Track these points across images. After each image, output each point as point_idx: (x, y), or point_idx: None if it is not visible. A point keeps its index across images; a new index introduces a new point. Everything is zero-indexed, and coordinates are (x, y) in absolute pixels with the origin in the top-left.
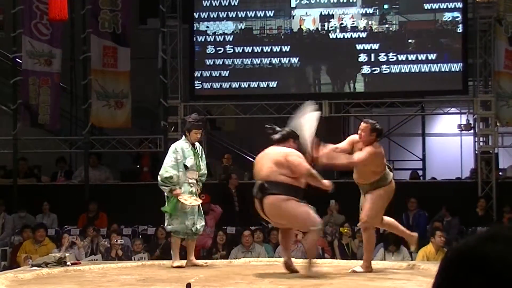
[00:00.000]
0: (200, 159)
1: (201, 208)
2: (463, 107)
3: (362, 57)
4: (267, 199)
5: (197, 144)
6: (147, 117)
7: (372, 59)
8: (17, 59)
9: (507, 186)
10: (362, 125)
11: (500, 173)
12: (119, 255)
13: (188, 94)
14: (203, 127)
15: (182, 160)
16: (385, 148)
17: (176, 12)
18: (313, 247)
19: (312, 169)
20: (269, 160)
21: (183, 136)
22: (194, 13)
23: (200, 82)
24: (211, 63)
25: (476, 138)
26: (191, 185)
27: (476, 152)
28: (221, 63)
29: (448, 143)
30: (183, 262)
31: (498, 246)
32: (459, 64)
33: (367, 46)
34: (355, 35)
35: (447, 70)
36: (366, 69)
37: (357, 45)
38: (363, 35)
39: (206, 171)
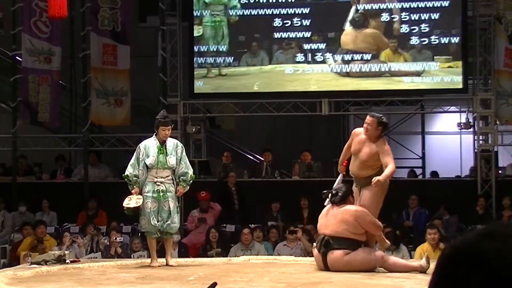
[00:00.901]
0: (166, 156)
1: (173, 206)
2: (462, 105)
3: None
4: (331, 253)
5: (172, 141)
6: (146, 115)
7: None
8: (16, 57)
9: (506, 184)
10: (368, 118)
11: (500, 171)
12: (118, 253)
13: (187, 92)
14: (170, 124)
15: (143, 158)
16: None
17: (176, 10)
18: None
19: (377, 222)
20: (335, 217)
21: (154, 135)
22: (194, 11)
23: (199, 80)
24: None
25: (475, 136)
26: (158, 184)
27: (476, 150)
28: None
29: (448, 142)
30: (161, 262)
31: (495, 243)
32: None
33: None
34: None
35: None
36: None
37: None
38: None
39: (186, 170)
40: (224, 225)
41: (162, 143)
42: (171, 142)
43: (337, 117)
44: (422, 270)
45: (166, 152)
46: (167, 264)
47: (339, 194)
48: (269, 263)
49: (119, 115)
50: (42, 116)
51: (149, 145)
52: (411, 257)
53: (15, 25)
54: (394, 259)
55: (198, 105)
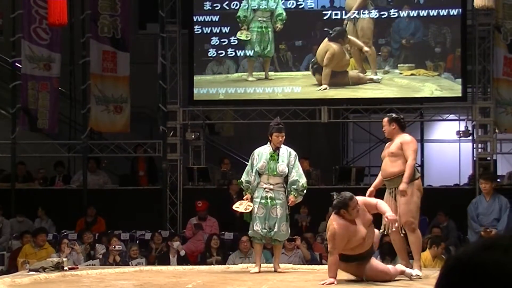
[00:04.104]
0: (277, 163)
1: (281, 213)
2: (461, 113)
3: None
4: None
5: (286, 149)
6: (146, 122)
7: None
8: (16, 64)
9: (505, 192)
10: (383, 121)
11: (498, 180)
12: (116, 260)
13: (187, 99)
14: (284, 130)
15: (256, 164)
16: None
17: (176, 17)
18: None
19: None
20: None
21: (268, 142)
22: (194, 18)
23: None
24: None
25: (474, 144)
26: (267, 190)
27: (475, 158)
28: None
29: (447, 150)
30: (258, 269)
31: (495, 254)
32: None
33: None
34: None
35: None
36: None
37: None
38: None
39: (297, 179)
40: (223, 232)
41: (275, 150)
42: (284, 150)
43: (337, 124)
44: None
45: (278, 159)
46: (275, 271)
47: (334, 200)
48: (268, 271)
49: (119, 121)
50: (42, 122)
51: (263, 151)
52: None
53: (15, 31)
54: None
55: (197, 112)
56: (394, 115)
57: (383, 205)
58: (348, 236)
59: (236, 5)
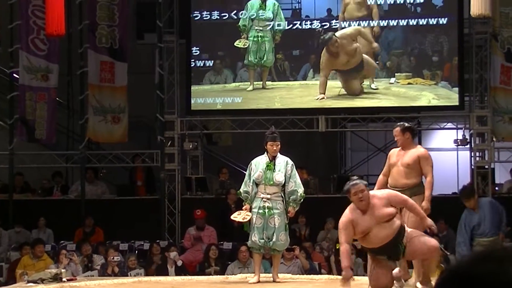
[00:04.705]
0: (273, 173)
1: (279, 223)
2: (459, 122)
3: None
4: None
5: (283, 158)
6: (144, 131)
7: None
8: (14, 74)
9: (503, 201)
10: (394, 130)
11: (496, 188)
12: (115, 271)
13: (184, 109)
14: (279, 139)
15: (253, 175)
16: (382, 163)
17: (173, 27)
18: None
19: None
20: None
21: (265, 152)
22: (191, 28)
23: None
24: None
25: (472, 153)
26: (264, 200)
27: (472, 167)
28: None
29: (445, 158)
30: (257, 279)
31: (491, 266)
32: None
33: None
34: None
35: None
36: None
37: None
38: None
39: (295, 189)
40: (222, 242)
41: (272, 159)
42: (281, 159)
43: (334, 133)
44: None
45: (274, 169)
46: (274, 280)
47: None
48: (267, 281)
49: (117, 132)
50: (39, 133)
51: (260, 161)
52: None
53: (12, 42)
54: None
55: (195, 121)
56: (406, 124)
57: (415, 206)
58: (352, 226)
59: (235, 13)
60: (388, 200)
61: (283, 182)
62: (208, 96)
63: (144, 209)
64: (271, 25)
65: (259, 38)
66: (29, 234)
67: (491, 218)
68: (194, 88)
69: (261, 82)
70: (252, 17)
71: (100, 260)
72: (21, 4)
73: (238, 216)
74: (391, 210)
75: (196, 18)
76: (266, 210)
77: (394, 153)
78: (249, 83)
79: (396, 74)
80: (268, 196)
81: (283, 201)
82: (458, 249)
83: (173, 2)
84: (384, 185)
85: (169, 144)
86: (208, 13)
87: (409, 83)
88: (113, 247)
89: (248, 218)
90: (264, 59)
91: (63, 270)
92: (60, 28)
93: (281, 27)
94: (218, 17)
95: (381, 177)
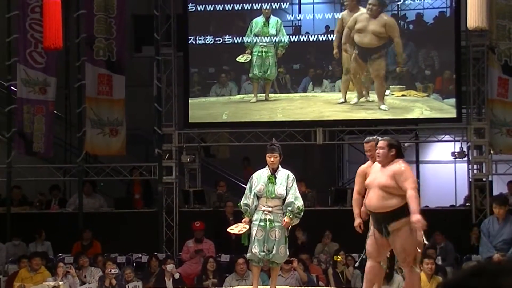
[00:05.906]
0: (275, 186)
1: (280, 236)
2: (457, 134)
3: None
4: None
5: (284, 171)
6: (141, 144)
7: None
8: (11, 87)
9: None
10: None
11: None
12: (112, 284)
13: (182, 121)
14: (277, 151)
15: (254, 188)
16: None
17: (171, 40)
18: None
19: None
20: None
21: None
22: (188, 41)
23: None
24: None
25: (470, 165)
26: (265, 213)
27: (470, 179)
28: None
29: (442, 171)
30: None
31: (484, 281)
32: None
33: None
34: None
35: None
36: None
37: None
38: None
39: (293, 200)
40: (219, 255)
41: (273, 172)
42: (282, 173)
43: (332, 146)
44: None
45: (275, 182)
46: None
47: None
48: None
49: (114, 144)
50: (37, 146)
51: (261, 174)
52: None
53: (10, 55)
54: None
55: (192, 134)
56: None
57: (412, 198)
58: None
59: (231, 37)
60: (394, 175)
61: (285, 195)
62: (213, 108)
63: (142, 222)
64: (274, 41)
65: (263, 54)
66: (26, 248)
67: (509, 233)
68: (200, 100)
69: (264, 94)
70: (255, 33)
71: (98, 273)
72: (19, 18)
73: (235, 229)
74: (389, 182)
75: (193, 43)
76: (268, 223)
77: (367, 171)
78: (252, 95)
79: (390, 86)
80: (270, 209)
81: (283, 214)
82: (480, 252)
83: (170, 16)
84: (361, 205)
85: (166, 157)
86: (203, 38)
87: (403, 95)
88: (111, 259)
89: (245, 230)
90: (268, 72)
91: (61, 283)
92: (58, 41)
93: (283, 43)
94: (212, 41)
95: (356, 196)
